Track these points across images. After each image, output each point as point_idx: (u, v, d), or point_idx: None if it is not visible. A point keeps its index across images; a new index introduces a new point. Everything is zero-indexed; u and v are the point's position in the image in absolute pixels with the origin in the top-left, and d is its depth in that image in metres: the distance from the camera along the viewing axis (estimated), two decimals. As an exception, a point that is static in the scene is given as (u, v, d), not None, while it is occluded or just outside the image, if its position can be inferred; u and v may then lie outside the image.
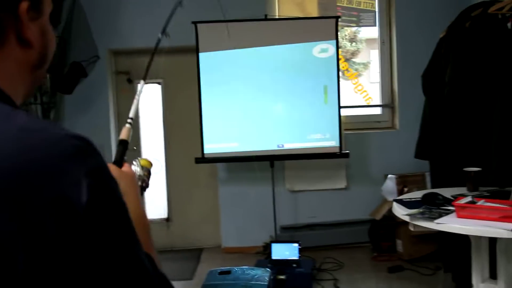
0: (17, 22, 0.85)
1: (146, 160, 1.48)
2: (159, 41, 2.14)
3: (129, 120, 1.49)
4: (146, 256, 0.87)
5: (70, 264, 0.71)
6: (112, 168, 1.22)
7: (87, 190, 0.72)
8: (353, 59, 6.39)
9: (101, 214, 0.75)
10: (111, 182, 0.80)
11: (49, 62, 0.97)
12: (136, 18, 5.84)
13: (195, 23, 5.36)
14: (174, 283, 3.40)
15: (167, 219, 6.28)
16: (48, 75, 5.64)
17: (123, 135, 1.43)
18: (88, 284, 0.74)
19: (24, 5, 0.84)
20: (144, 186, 1.44)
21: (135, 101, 1.58)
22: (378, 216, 5.45)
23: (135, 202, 1.17)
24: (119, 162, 1.32)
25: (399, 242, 5.42)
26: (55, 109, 5.80)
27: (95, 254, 0.74)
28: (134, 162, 1.46)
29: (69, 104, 5.84)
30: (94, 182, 0.74)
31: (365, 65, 6.39)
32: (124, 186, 1.10)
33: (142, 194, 1.42)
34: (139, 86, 1.64)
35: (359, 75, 6.31)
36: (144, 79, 1.69)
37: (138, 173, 1.44)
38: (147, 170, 1.46)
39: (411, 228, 2.95)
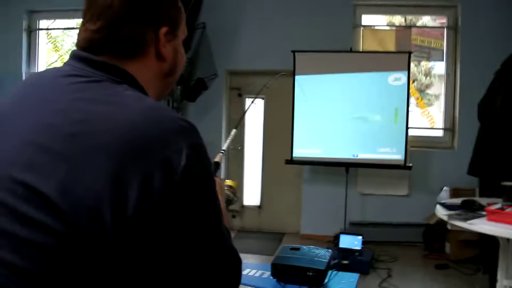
0: (157, 41, 0.96)
1: (233, 181, 1.51)
2: (252, 101, 2.23)
3: (222, 151, 1.53)
4: (226, 228, 0.91)
5: (165, 214, 0.77)
6: None
7: (185, 158, 0.78)
8: (427, 91, 6.24)
9: (194, 177, 0.80)
10: (205, 158, 0.85)
11: (178, 74, 1.06)
12: (247, 46, 6.02)
13: (294, 52, 5.44)
14: (259, 256, 3.52)
15: (259, 207, 6.36)
16: (179, 87, 5.94)
17: (217, 158, 1.45)
18: (174, 237, 0.79)
19: (163, 29, 0.96)
20: (228, 199, 1.45)
21: (229, 139, 1.62)
22: (432, 221, 5.28)
23: (221, 199, 1.17)
24: None
25: (447, 245, 5.22)
26: (182, 112, 6.07)
27: (185, 208, 0.79)
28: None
29: (192, 109, 6.08)
30: (192, 153, 0.80)
31: (436, 97, 6.22)
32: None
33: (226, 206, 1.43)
34: (232, 131, 1.67)
35: (431, 104, 6.16)
36: (236, 127, 1.73)
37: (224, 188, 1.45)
38: (231, 189, 1.47)
39: (449, 227, 2.87)
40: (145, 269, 0.78)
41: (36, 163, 0.79)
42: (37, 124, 0.83)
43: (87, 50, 0.93)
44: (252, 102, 2.20)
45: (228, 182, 1.48)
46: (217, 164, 1.43)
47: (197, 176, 0.81)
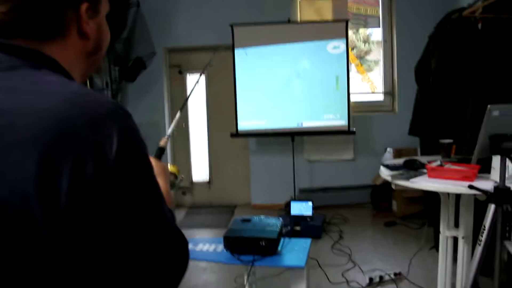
0: (78, 18, 0.89)
1: (173, 165, 1.48)
2: (204, 68, 2.25)
3: (167, 135, 1.51)
4: (169, 210, 0.88)
5: (99, 201, 0.73)
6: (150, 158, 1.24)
7: (116, 143, 0.74)
8: (366, 57, 6.36)
9: (127, 162, 0.76)
10: (138, 141, 0.81)
11: (103, 51, 1.00)
12: (186, 22, 5.94)
13: (232, 25, 5.43)
14: (213, 230, 3.55)
15: (209, 182, 6.39)
16: (117, 68, 5.82)
17: (162, 143, 1.44)
18: (112, 224, 0.75)
19: (84, 6, 0.89)
20: (171, 184, 1.42)
21: (174, 122, 1.59)
22: (378, 182, 5.48)
23: (164, 182, 1.15)
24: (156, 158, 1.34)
25: (394, 203, 5.45)
26: (121, 94, 5.96)
27: (121, 194, 0.75)
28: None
29: (132, 90, 5.99)
30: (124, 137, 0.76)
31: (376, 62, 6.35)
32: (157, 169, 1.14)
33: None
34: (177, 114, 1.68)
35: (371, 70, 6.30)
36: (181, 109, 1.76)
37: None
38: (173, 175, 1.45)
39: (393, 187, 2.99)
40: (87, 261, 0.75)
41: None
42: None
43: (0, 34, 0.85)
44: (196, 83, 2.18)
45: (169, 167, 1.44)
46: (162, 149, 1.42)
47: (131, 161, 0.77)
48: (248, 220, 3.26)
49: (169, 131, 1.53)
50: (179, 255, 0.89)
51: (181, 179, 1.47)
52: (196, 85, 1.69)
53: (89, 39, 0.93)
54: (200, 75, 1.82)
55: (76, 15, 0.89)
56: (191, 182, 6.38)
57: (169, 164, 1.41)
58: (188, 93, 6.26)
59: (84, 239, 0.73)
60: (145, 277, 0.81)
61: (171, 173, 1.44)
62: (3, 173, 0.71)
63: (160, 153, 1.41)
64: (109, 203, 0.74)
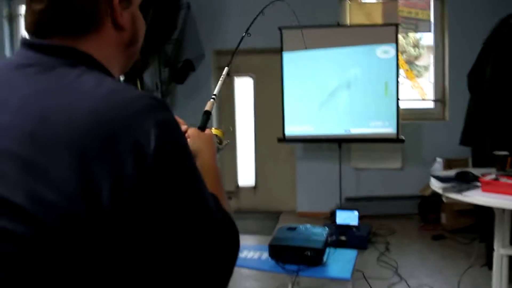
0: (112, 10, 0.90)
1: (218, 129, 1.44)
2: (241, 39, 2.10)
3: (213, 96, 1.46)
4: (211, 195, 0.87)
5: (142, 201, 0.73)
6: (193, 131, 1.23)
7: (154, 138, 0.75)
8: (416, 62, 6.24)
9: (167, 156, 0.76)
10: (176, 133, 0.81)
11: (140, 42, 1.00)
12: (235, 24, 5.94)
13: (280, 28, 5.40)
14: (257, 237, 3.54)
15: (254, 187, 6.38)
16: (166, 69, 5.90)
17: (208, 107, 1.40)
18: (156, 222, 0.75)
19: None
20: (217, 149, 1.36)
21: (220, 82, 1.53)
22: (427, 193, 5.33)
23: (209, 155, 1.16)
24: (202, 128, 1.30)
25: (443, 215, 5.28)
26: (171, 96, 6.03)
27: (163, 190, 0.75)
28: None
29: (181, 91, 6.05)
30: (161, 131, 0.76)
31: (426, 68, 6.23)
32: (201, 144, 1.17)
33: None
34: (224, 70, 1.59)
35: (421, 76, 6.16)
36: (228, 65, 1.64)
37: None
38: (219, 139, 1.41)
39: (444, 200, 2.90)
40: (134, 261, 0.76)
41: (1, 172, 0.74)
42: None
43: (36, 34, 0.87)
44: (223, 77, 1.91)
45: (213, 130, 1.41)
46: (208, 113, 1.39)
47: (171, 155, 0.78)
48: (294, 229, 3.23)
49: (215, 90, 1.49)
50: (227, 247, 0.88)
51: (226, 143, 1.43)
52: (223, 78, 1.56)
53: (125, 30, 0.94)
54: (228, 66, 1.66)
55: (109, 7, 0.90)
56: (237, 187, 6.39)
57: (213, 128, 1.40)
58: (236, 96, 6.29)
59: (129, 240, 0.74)
60: (194, 273, 0.82)
61: (216, 136, 1.40)
62: (48, 176, 0.73)
63: (206, 118, 1.36)
64: (152, 201, 0.75)
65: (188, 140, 1.19)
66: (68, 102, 0.77)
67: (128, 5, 0.94)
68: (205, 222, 0.82)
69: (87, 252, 0.73)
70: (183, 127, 1.21)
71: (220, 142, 1.42)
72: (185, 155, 0.82)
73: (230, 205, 1.03)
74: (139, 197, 0.73)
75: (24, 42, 0.88)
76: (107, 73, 0.89)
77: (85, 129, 0.74)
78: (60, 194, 0.72)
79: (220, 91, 1.52)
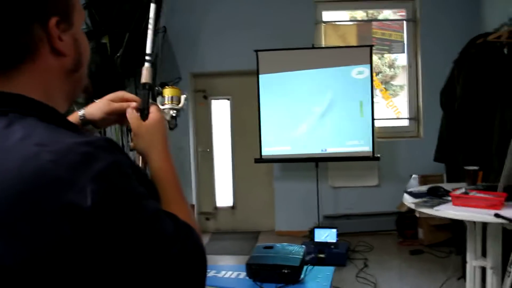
0: (48, 36, 0.79)
1: (172, 88, 1.29)
2: None
3: (147, 58, 1.19)
4: (167, 217, 0.81)
5: (88, 256, 0.68)
6: (136, 124, 1.08)
7: (91, 195, 0.67)
8: (392, 82, 6.36)
9: (107, 211, 0.69)
10: (117, 181, 0.72)
11: (85, 66, 0.90)
12: (211, 47, 6.03)
13: (256, 51, 5.48)
14: (236, 257, 3.51)
15: (233, 207, 6.39)
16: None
17: (145, 77, 1.17)
18: (111, 269, 0.70)
19: (53, 20, 0.79)
20: (175, 116, 1.26)
21: (149, 32, 1.21)
22: (404, 209, 5.39)
23: (161, 155, 1.05)
24: (143, 111, 1.10)
25: (420, 231, 5.36)
26: (147, 118, 6.04)
27: (108, 246, 0.69)
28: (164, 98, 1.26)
29: (158, 114, 6.04)
30: (97, 186, 0.68)
31: (401, 87, 6.34)
32: (146, 142, 1.05)
33: (174, 126, 1.26)
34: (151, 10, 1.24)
35: (396, 95, 6.28)
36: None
37: (166, 107, 1.26)
38: (176, 99, 1.27)
39: (417, 215, 2.95)
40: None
41: None
42: None
43: None
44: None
45: (167, 92, 1.26)
46: (148, 87, 1.15)
47: (112, 209, 0.69)
48: (271, 247, 3.24)
49: (148, 49, 1.20)
50: (191, 274, 0.82)
51: (185, 101, 1.28)
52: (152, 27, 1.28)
53: (66, 55, 0.83)
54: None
55: (45, 32, 0.79)
56: (215, 207, 6.39)
57: (166, 88, 1.26)
58: (213, 118, 6.33)
59: None
60: None
61: (173, 97, 1.26)
62: None
63: (147, 94, 1.13)
64: (100, 259, 0.69)
65: (132, 140, 1.09)
66: None
67: (68, 27, 0.82)
68: (162, 263, 0.75)
69: None
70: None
71: (178, 102, 1.28)
72: (130, 202, 0.73)
73: (191, 211, 0.99)
74: (83, 260, 0.68)
75: None
76: (47, 111, 0.79)
77: (7, 198, 0.67)
78: None
79: (154, 49, 1.28)
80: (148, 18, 1.20)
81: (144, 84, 1.15)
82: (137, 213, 0.73)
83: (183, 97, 1.27)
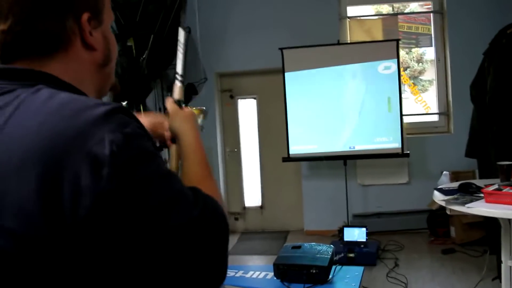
0: (80, 30, 0.87)
1: (197, 109, 1.40)
2: None
3: (179, 78, 1.34)
4: (188, 189, 0.83)
5: (106, 208, 0.70)
6: (173, 108, 1.22)
7: (109, 146, 0.71)
8: (420, 77, 6.24)
9: (124, 162, 0.72)
10: (135, 136, 0.76)
11: (113, 62, 0.98)
12: (236, 47, 6.02)
13: (281, 49, 5.44)
14: (265, 257, 3.49)
15: (261, 207, 6.37)
16: (169, 93, 5.94)
17: (178, 95, 1.30)
18: (124, 227, 0.72)
19: (85, 16, 0.87)
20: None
21: (179, 55, 1.38)
22: (435, 207, 5.27)
23: (192, 134, 1.16)
24: (179, 103, 1.27)
25: (452, 229, 5.24)
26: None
27: (125, 198, 0.72)
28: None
29: (184, 115, 6.05)
30: (116, 137, 0.73)
31: (430, 82, 6.22)
32: (181, 122, 1.18)
33: None
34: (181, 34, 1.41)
35: (426, 90, 6.16)
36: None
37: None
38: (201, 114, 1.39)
39: (448, 212, 2.87)
40: (109, 274, 0.73)
41: None
42: None
43: (2, 58, 0.85)
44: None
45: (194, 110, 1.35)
46: (179, 103, 1.27)
47: (129, 161, 0.73)
48: (299, 247, 3.20)
49: (179, 68, 1.36)
50: (212, 240, 0.83)
51: (203, 120, 1.40)
52: (183, 48, 1.41)
53: (96, 50, 0.91)
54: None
55: (77, 26, 0.87)
56: (244, 207, 6.38)
57: (189, 107, 1.33)
58: (239, 118, 6.31)
59: (100, 253, 0.72)
60: (181, 277, 0.79)
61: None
62: (3, 199, 0.71)
63: (179, 105, 1.26)
64: (115, 211, 0.71)
65: (168, 119, 1.22)
66: (18, 120, 0.75)
67: (98, 24, 0.91)
68: (181, 223, 0.77)
69: (53, 271, 0.71)
70: (164, 123, 1.23)
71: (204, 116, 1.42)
72: (146, 158, 0.77)
73: (218, 188, 1.00)
74: (101, 209, 0.70)
75: None
76: (76, 91, 0.85)
77: (36, 146, 0.72)
78: (18, 216, 0.70)
79: (183, 67, 1.38)
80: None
81: (178, 100, 1.28)
82: (153, 166, 0.77)
83: (200, 118, 1.37)
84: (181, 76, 1.33)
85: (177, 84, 1.31)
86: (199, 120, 1.36)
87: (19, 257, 0.70)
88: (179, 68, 1.35)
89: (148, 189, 0.75)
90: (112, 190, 0.71)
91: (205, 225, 0.81)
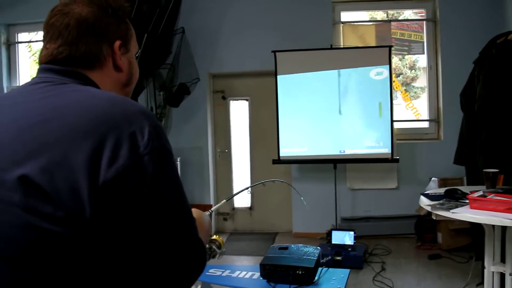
0: (112, 53, 1.11)
1: (218, 237, 1.58)
2: None
3: (210, 212, 1.56)
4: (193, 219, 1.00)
5: (132, 179, 0.86)
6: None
7: (148, 134, 0.90)
8: (412, 84, 6.29)
9: (155, 150, 0.91)
10: (164, 137, 0.95)
11: (134, 84, 1.21)
12: (230, 48, 6.04)
13: (274, 52, 5.48)
14: (253, 257, 3.50)
15: (250, 208, 6.39)
16: (161, 93, 5.96)
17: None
18: (141, 200, 0.87)
19: (117, 43, 1.11)
20: (210, 253, 1.54)
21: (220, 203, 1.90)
22: (423, 212, 5.32)
23: (200, 222, 1.27)
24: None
25: (439, 235, 5.29)
26: (165, 118, 6.08)
27: (150, 177, 0.88)
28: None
29: (176, 115, 6.07)
30: (153, 131, 0.92)
31: (422, 89, 6.27)
32: (196, 213, 1.29)
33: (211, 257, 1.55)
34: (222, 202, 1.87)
35: (418, 97, 6.21)
36: None
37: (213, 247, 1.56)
38: (216, 243, 1.56)
39: (434, 217, 2.91)
40: (115, 240, 0.86)
41: (19, 155, 0.87)
42: (12, 123, 0.93)
43: (51, 64, 1.06)
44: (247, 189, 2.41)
45: (215, 237, 1.56)
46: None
47: (158, 151, 0.91)
48: (286, 248, 3.22)
49: (212, 209, 1.64)
50: (196, 258, 0.98)
51: (223, 251, 1.56)
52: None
53: (123, 71, 1.14)
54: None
55: (111, 50, 1.11)
56: (233, 208, 6.40)
57: (214, 236, 1.54)
58: (231, 119, 6.34)
59: (115, 220, 0.85)
60: (161, 265, 0.90)
61: (215, 241, 1.55)
62: (60, 156, 0.86)
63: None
64: (139, 186, 0.87)
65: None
66: (78, 100, 0.94)
67: (126, 51, 1.15)
68: (183, 219, 0.95)
69: (83, 229, 0.84)
70: None
71: (219, 247, 1.56)
72: (170, 156, 0.95)
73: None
74: (129, 179, 0.86)
75: (42, 68, 1.07)
76: None
77: (92, 119, 0.89)
78: (69, 171, 0.84)
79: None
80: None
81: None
82: (171, 162, 0.95)
83: (223, 248, 1.59)
84: (210, 213, 1.56)
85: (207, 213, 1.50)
86: (222, 248, 1.56)
87: (66, 207, 0.84)
88: (213, 208, 1.71)
89: (168, 178, 0.93)
90: (142, 167, 0.87)
91: (198, 249, 0.99)
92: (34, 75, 1.09)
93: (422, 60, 6.13)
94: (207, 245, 1.50)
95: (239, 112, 6.34)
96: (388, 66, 5.28)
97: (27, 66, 6.67)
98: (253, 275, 3.05)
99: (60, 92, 0.98)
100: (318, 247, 3.28)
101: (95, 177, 0.84)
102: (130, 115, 0.92)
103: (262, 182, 2.31)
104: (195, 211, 1.31)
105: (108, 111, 0.92)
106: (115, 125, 0.89)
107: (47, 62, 1.06)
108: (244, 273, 3.11)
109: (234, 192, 6.35)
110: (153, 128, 0.92)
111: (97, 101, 0.94)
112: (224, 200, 1.85)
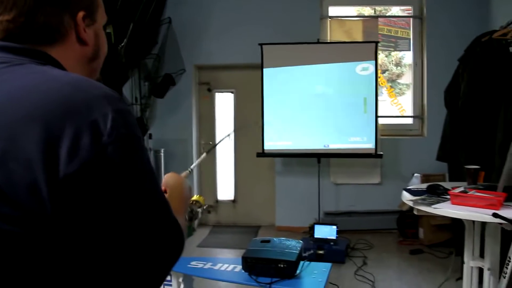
0: (75, 25, 0.99)
1: (199, 196, 1.53)
2: None
3: (189, 170, 1.54)
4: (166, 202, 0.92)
5: (95, 171, 0.78)
6: (170, 173, 1.34)
7: (111, 121, 0.81)
8: (398, 80, 6.33)
9: (120, 138, 0.82)
10: (131, 122, 0.86)
11: (102, 58, 1.10)
12: (216, 40, 6.02)
13: (261, 44, 5.47)
14: (235, 250, 3.51)
15: (234, 201, 6.41)
16: (146, 83, 5.93)
17: (183, 175, 1.46)
18: (105, 198, 0.79)
19: (80, 14, 0.99)
20: (192, 213, 1.49)
21: (199, 159, 1.73)
22: (405, 208, 5.38)
23: (178, 191, 1.26)
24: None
25: (421, 230, 5.35)
26: (150, 109, 6.05)
27: (114, 168, 0.80)
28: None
29: (161, 105, 6.04)
30: (118, 116, 0.83)
31: (408, 86, 6.32)
32: (172, 181, 1.28)
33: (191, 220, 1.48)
34: (202, 156, 1.75)
35: (403, 93, 6.26)
36: None
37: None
38: (197, 203, 1.51)
39: (415, 212, 2.94)
40: (82, 237, 0.79)
41: None
42: None
43: (6, 40, 0.94)
44: (227, 135, 2.29)
45: (195, 197, 1.50)
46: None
47: (124, 139, 0.83)
48: (268, 241, 3.24)
49: (192, 166, 1.58)
50: (173, 246, 0.92)
51: (204, 210, 1.52)
52: (226, 137, 1.82)
53: (88, 45, 1.03)
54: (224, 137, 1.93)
55: (73, 22, 0.99)
56: (216, 201, 6.40)
57: (195, 195, 1.48)
58: (216, 111, 6.33)
59: (80, 214, 0.78)
60: (134, 261, 0.84)
61: (197, 202, 1.50)
62: (13, 147, 0.78)
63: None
64: (105, 178, 0.80)
65: (163, 178, 1.31)
66: (35, 84, 0.85)
67: (91, 22, 1.04)
68: (153, 208, 0.87)
69: (44, 225, 0.77)
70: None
71: (200, 206, 1.52)
72: (139, 142, 0.87)
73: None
74: (93, 171, 0.78)
75: None
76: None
77: (51, 104, 0.81)
78: (23, 164, 0.77)
79: (198, 164, 1.63)
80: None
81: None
82: (140, 150, 0.87)
83: (204, 207, 1.54)
84: (190, 171, 1.56)
85: (186, 172, 1.52)
86: (202, 207, 1.52)
87: (25, 205, 0.77)
88: (192, 165, 1.60)
89: (135, 168, 0.85)
90: (105, 158, 0.80)
91: (174, 230, 0.93)
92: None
93: (408, 57, 6.17)
94: (188, 208, 1.44)
95: (224, 104, 6.33)
96: (374, 61, 5.31)
97: None
98: (235, 267, 3.07)
99: (16, 75, 0.87)
100: (301, 241, 3.30)
101: (54, 170, 0.76)
102: (91, 100, 0.83)
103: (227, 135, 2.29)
104: (173, 176, 1.32)
105: (68, 96, 0.82)
106: (75, 112, 0.80)
107: (1, 38, 0.95)
108: (226, 265, 3.12)
109: (218, 184, 6.38)
110: (117, 114, 0.83)
111: (55, 85, 0.84)
112: (205, 154, 1.73)
